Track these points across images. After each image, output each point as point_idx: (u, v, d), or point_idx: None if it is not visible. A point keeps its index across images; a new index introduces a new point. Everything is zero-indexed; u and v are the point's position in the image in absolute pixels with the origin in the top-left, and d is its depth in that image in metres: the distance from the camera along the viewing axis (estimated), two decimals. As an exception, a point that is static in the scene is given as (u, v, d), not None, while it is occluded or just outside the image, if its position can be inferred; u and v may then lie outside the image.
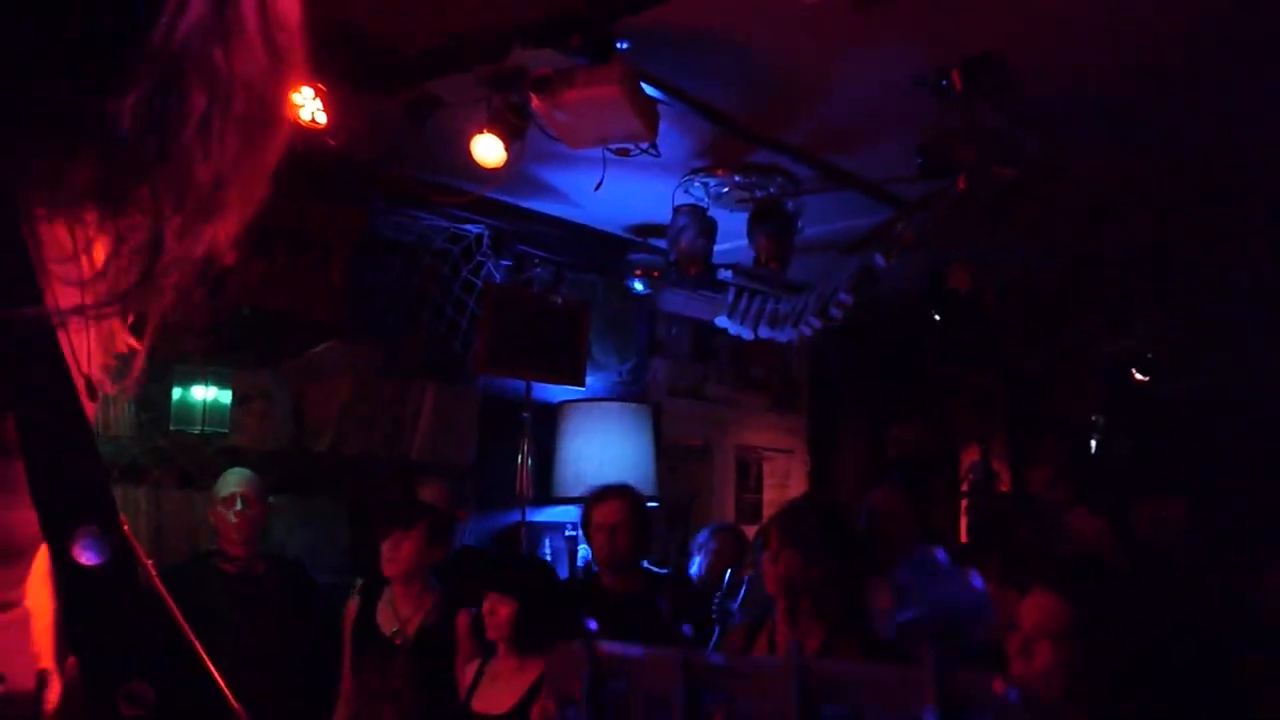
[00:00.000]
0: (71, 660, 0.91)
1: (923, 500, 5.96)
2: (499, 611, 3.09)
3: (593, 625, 0.73)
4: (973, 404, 7.37)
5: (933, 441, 7.42)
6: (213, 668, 0.90)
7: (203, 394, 4.04)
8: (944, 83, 3.44)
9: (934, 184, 3.93)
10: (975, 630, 3.23)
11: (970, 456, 7.11)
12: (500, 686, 3.10)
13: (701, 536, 5.09)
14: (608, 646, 0.66)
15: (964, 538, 6.52)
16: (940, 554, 3.70)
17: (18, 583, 0.98)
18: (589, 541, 3.99)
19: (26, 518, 0.88)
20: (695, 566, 5.03)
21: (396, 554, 3.50)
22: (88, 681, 0.86)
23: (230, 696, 0.90)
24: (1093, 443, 7.80)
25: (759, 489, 7.00)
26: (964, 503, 6.88)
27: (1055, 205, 4.62)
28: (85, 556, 0.86)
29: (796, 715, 0.51)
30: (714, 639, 4.20)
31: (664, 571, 4.46)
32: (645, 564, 4.10)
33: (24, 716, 0.91)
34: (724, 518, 6.31)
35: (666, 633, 3.67)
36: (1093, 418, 7.79)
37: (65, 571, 0.85)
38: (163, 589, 0.90)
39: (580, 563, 5.25)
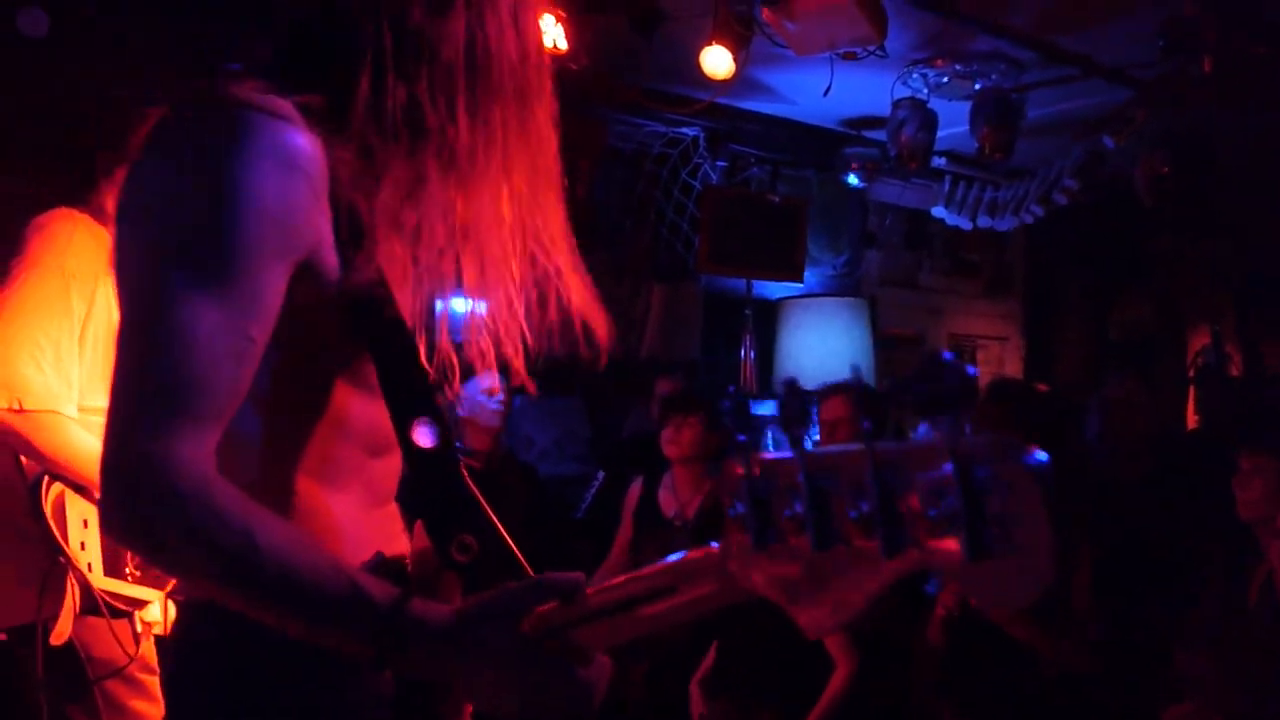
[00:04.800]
0: (419, 523, 1.19)
1: (1150, 385, 5.77)
2: None
3: (741, 438, 0.86)
4: (1202, 279, 6.97)
5: (1159, 322, 7.12)
6: (503, 531, 1.14)
7: (462, 306, 4.41)
8: (1187, -42, 3.30)
9: (1167, 64, 3.77)
10: None
11: (1200, 339, 6.78)
12: None
13: (921, 428, 5.18)
14: (763, 455, 0.84)
15: (1191, 424, 6.30)
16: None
17: (395, 480, 1.26)
18: (820, 433, 4.16)
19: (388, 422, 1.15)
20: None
21: (679, 438, 3.64)
22: (431, 537, 1.12)
23: (518, 553, 1.14)
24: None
25: (974, 376, 6.97)
26: (1191, 389, 6.59)
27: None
28: (422, 440, 1.13)
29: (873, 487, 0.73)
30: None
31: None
32: None
33: (429, 575, 1.15)
34: (939, 406, 6.33)
35: None
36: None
37: (409, 453, 1.12)
38: (465, 471, 1.15)
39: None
